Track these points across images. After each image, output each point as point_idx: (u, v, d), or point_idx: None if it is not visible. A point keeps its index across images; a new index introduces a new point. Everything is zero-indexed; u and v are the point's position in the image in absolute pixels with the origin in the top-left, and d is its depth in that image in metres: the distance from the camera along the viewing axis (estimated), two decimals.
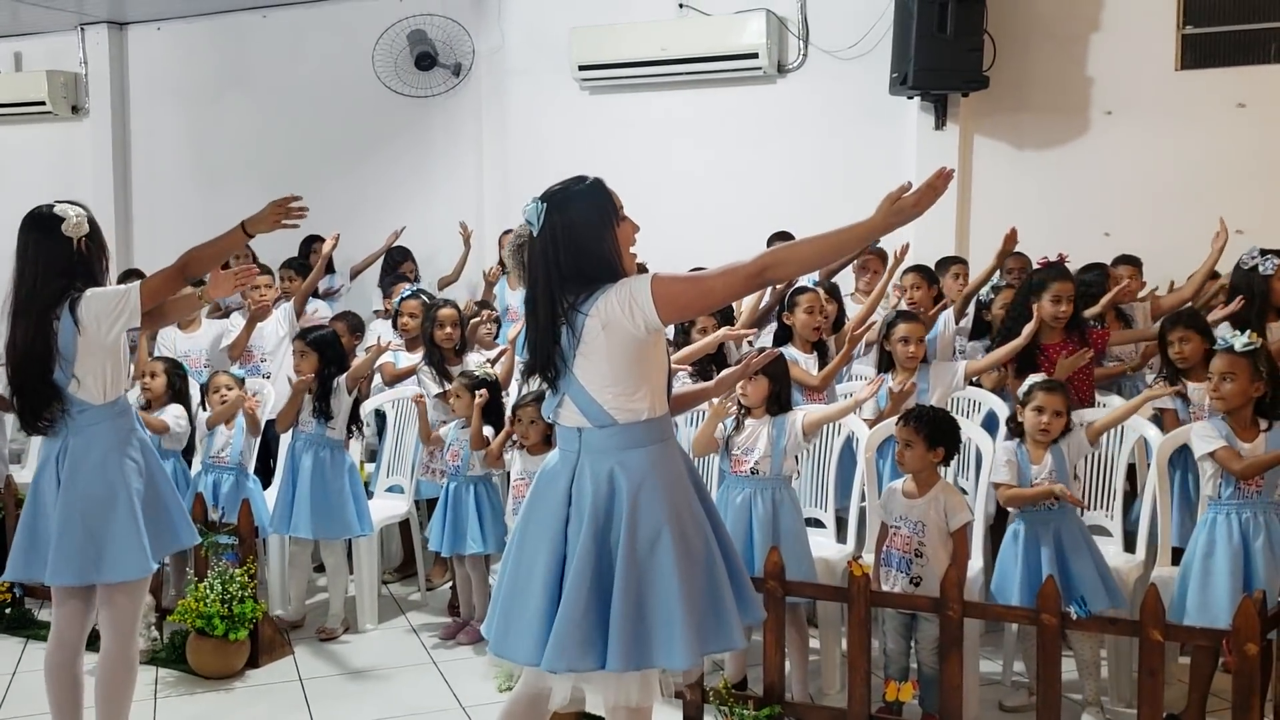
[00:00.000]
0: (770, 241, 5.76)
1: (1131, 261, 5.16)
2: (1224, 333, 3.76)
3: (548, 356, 2.41)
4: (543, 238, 2.43)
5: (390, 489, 4.85)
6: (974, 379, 4.38)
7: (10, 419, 5.40)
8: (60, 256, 2.96)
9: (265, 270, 5.95)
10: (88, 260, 3.01)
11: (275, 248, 6.53)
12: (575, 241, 2.40)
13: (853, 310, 5.09)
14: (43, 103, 8.21)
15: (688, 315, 2.43)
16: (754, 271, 2.31)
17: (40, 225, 2.98)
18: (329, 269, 6.85)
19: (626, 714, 2.47)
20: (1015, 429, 3.60)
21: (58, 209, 3.00)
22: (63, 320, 2.93)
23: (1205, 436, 3.40)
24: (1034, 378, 3.64)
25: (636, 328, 2.36)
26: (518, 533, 2.53)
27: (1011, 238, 4.86)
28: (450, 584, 4.62)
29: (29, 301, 2.96)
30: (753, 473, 3.62)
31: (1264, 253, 4.31)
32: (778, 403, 3.68)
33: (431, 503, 4.60)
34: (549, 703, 2.56)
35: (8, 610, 4.43)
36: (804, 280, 4.63)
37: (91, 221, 3.05)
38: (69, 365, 2.95)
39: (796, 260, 2.33)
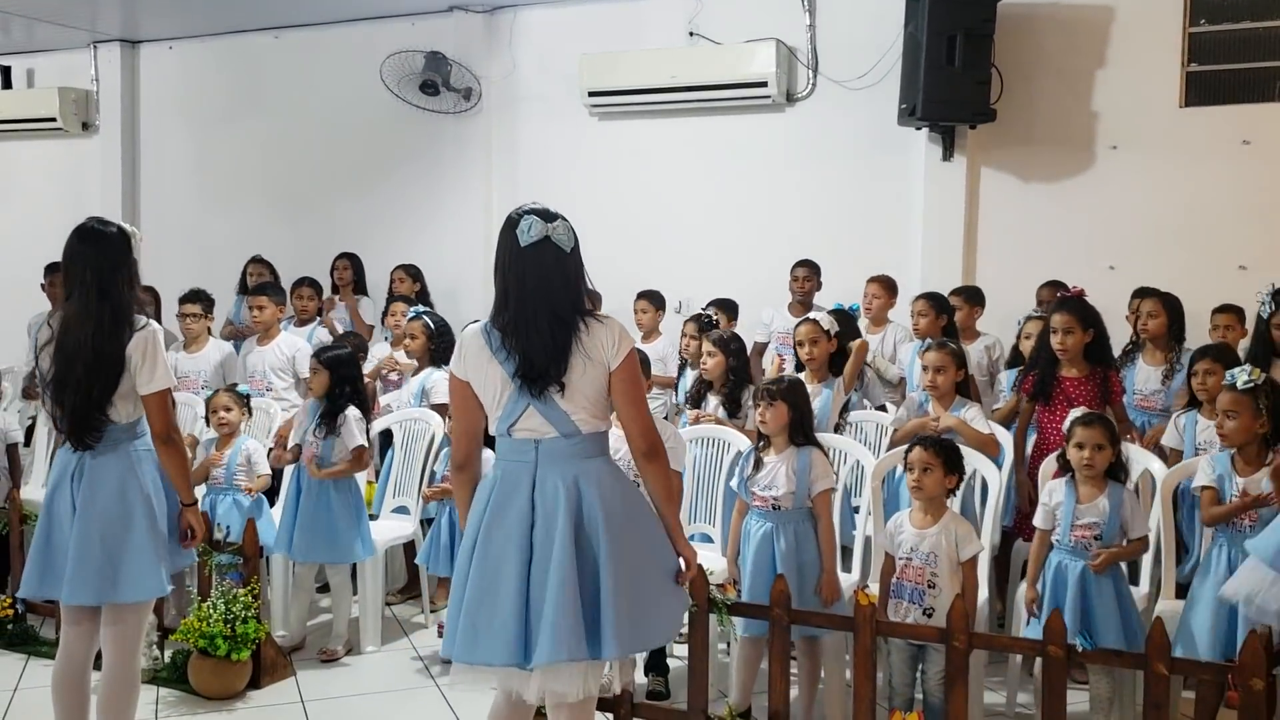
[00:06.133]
0: (794, 268, 5.81)
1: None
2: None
3: (547, 371, 2.54)
4: (562, 256, 2.58)
5: (396, 510, 4.84)
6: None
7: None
8: (133, 273, 3.05)
9: (277, 289, 5.96)
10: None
11: (298, 265, 6.59)
12: (580, 269, 2.61)
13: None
14: (54, 119, 8.26)
15: (618, 393, 2.61)
16: (646, 444, 2.63)
17: (116, 242, 3.04)
18: (360, 290, 6.82)
19: (569, 711, 2.60)
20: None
21: (127, 227, 3.10)
22: (127, 341, 2.98)
23: (1201, 472, 3.50)
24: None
25: (605, 364, 2.58)
26: (475, 546, 2.59)
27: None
28: None
29: (115, 314, 2.97)
30: (774, 507, 3.61)
31: (1274, 294, 4.30)
32: (800, 432, 3.65)
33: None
34: (530, 702, 2.63)
35: (9, 626, 4.41)
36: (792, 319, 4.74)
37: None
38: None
39: (662, 483, 2.68)
